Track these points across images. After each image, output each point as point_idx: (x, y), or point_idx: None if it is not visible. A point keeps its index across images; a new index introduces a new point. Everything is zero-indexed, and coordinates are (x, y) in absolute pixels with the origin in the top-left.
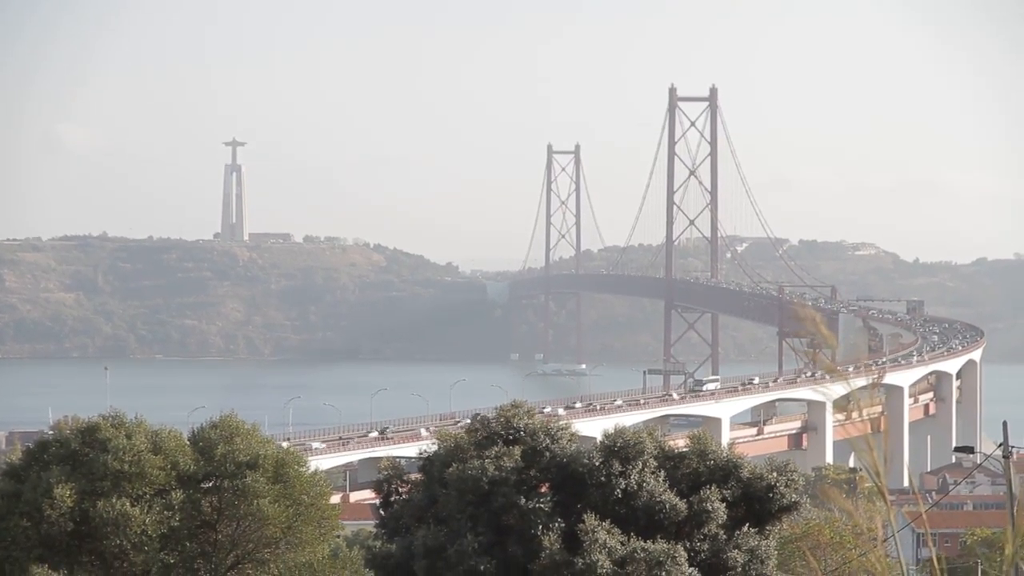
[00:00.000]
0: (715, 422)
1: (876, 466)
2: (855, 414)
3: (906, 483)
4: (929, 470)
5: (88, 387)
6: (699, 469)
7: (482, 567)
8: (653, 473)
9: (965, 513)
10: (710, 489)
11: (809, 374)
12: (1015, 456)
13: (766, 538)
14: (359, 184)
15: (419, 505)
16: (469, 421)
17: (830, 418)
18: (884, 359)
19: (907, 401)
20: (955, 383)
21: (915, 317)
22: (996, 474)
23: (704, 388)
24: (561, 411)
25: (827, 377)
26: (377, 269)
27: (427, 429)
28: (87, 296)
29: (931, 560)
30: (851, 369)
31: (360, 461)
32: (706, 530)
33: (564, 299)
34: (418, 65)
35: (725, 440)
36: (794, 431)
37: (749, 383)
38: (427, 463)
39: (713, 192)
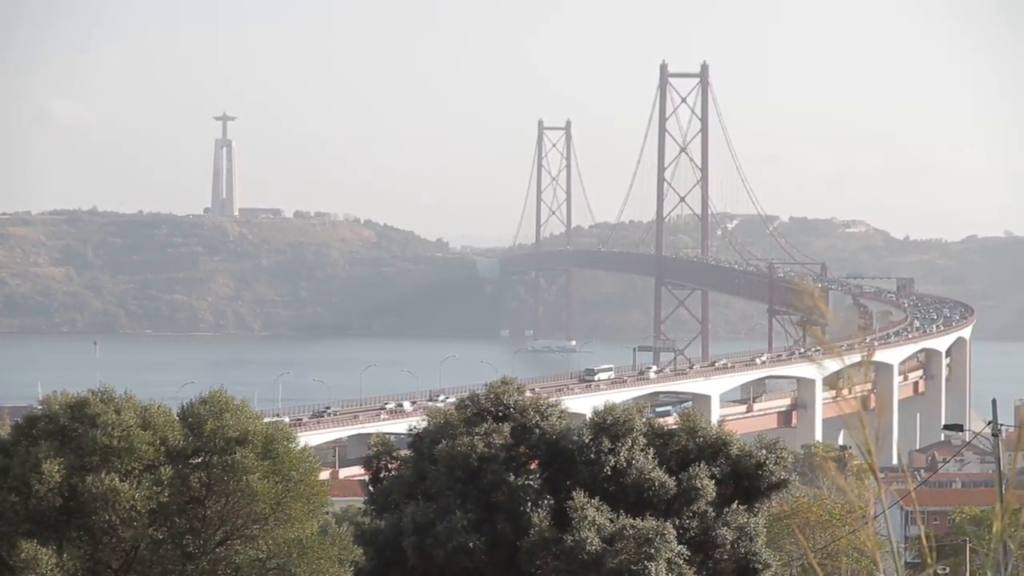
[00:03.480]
0: (705, 399)
1: (868, 444)
2: (846, 391)
3: (895, 461)
4: (918, 448)
5: (77, 362)
6: (688, 446)
7: (471, 544)
8: (643, 450)
9: (954, 491)
10: (699, 466)
11: (801, 351)
12: (1004, 434)
13: (755, 515)
14: (350, 160)
15: (408, 482)
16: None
17: (820, 396)
18: (912, 330)
19: (896, 379)
20: (945, 361)
21: (905, 295)
22: (985, 452)
23: (596, 377)
24: (653, 373)
25: (819, 351)
26: (367, 245)
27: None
28: (77, 271)
29: (919, 538)
30: (844, 346)
31: (349, 437)
32: (695, 507)
33: (554, 275)
34: (410, 41)
35: (715, 417)
36: (784, 409)
37: (642, 371)
38: (417, 439)
39: (704, 169)
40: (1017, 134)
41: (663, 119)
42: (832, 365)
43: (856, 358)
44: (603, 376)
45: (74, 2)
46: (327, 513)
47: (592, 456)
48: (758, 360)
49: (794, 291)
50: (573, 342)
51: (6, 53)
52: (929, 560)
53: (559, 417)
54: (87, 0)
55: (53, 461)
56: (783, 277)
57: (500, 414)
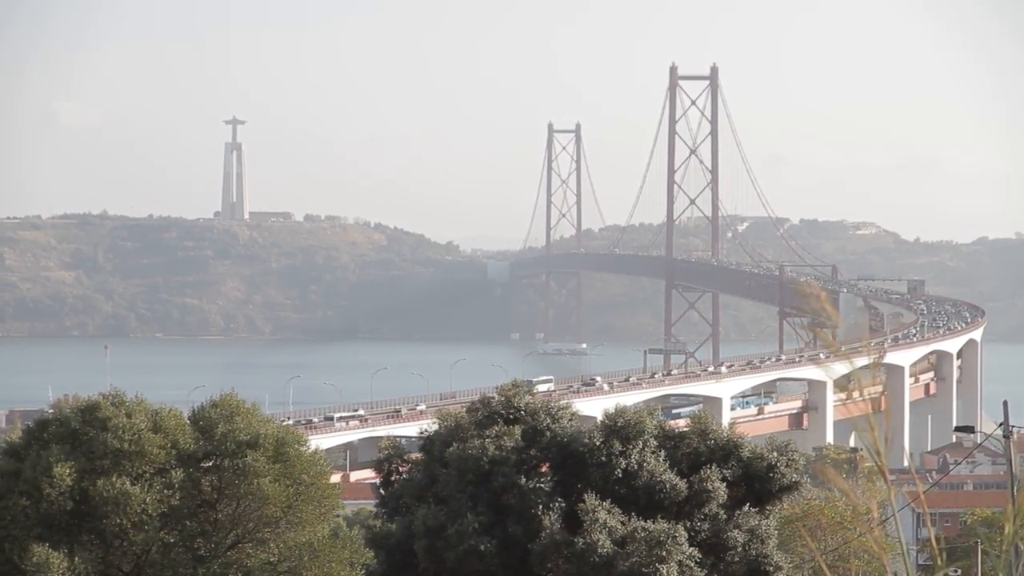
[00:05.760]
0: (716, 402)
1: (877, 446)
2: (856, 393)
3: (906, 463)
4: (929, 450)
5: (88, 366)
6: (699, 449)
7: (482, 547)
8: (654, 453)
9: (965, 493)
10: (710, 469)
11: (808, 354)
12: (1015, 436)
13: (766, 518)
14: (360, 163)
15: (419, 485)
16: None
17: (831, 398)
18: (921, 332)
19: (907, 381)
20: (955, 363)
21: (915, 297)
22: (996, 454)
23: (536, 388)
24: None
25: (824, 354)
26: (377, 248)
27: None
28: (87, 275)
29: (930, 540)
30: (854, 347)
31: (360, 440)
32: (706, 510)
33: (565, 278)
34: (421, 43)
35: (726, 420)
36: (795, 411)
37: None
38: (427, 442)
39: (714, 171)
40: None
41: (673, 121)
42: (840, 368)
43: (862, 361)
44: (541, 387)
45: (78, 4)
46: (338, 516)
47: (603, 459)
48: (724, 368)
49: (800, 294)
50: (583, 345)
51: (9, 55)
52: (940, 562)
53: (570, 420)
54: (91, 2)
55: (64, 464)
56: (792, 278)
57: (511, 417)
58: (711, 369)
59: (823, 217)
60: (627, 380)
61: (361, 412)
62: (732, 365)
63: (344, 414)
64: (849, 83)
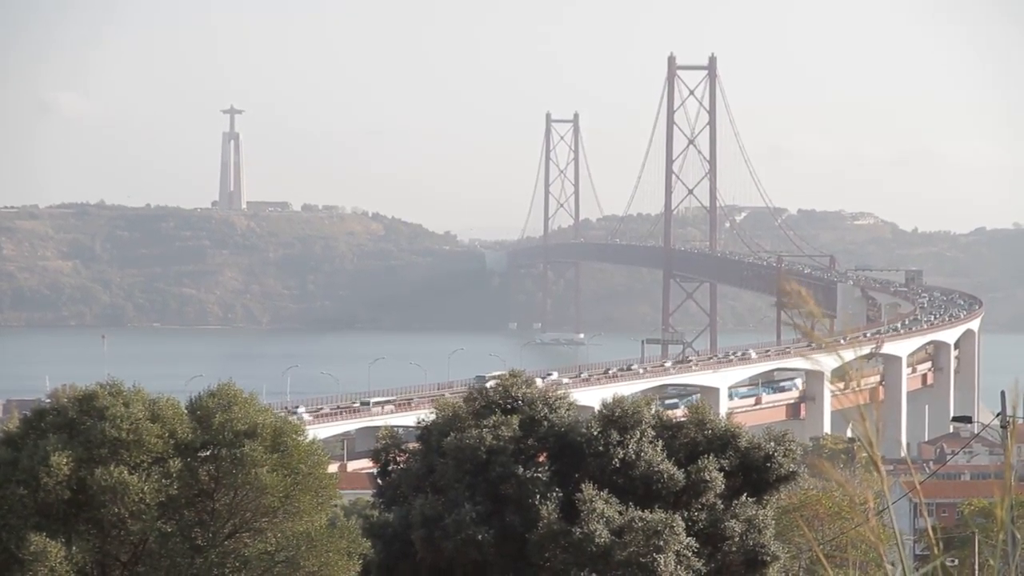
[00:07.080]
0: (713, 392)
1: (869, 437)
2: (850, 384)
3: (903, 453)
4: (927, 440)
5: (85, 356)
6: (697, 439)
7: (480, 536)
8: (651, 443)
9: (962, 483)
10: (708, 459)
11: (794, 346)
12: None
13: (764, 508)
14: (358, 152)
15: (417, 474)
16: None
17: (827, 388)
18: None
19: (905, 371)
20: (953, 353)
21: (913, 287)
22: (994, 444)
23: (487, 384)
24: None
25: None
26: (375, 238)
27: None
28: (84, 264)
29: (927, 530)
30: (844, 340)
31: (357, 430)
32: (704, 500)
33: (563, 268)
34: (418, 33)
35: (723, 410)
36: (792, 401)
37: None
38: (425, 432)
39: (712, 161)
40: None
41: (671, 112)
42: (832, 362)
43: (847, 351)
44: (493, 383)
45: None
46: (336, 506)
47: (601, 448)
48: (753, 353)
49: (784, 291)
50: (581, 335)
51: (13, 47)
52: (936, 551)
53: (568, 410)
54: None
55: (61, 454)
56: (789, 268)
57: (508, 407)
58: (712, 358)
59: (821, 207)
60: (579, 376)
61: (394, 398)
62: (757, 351)
63: (380, 399)
64: (848, 74)
